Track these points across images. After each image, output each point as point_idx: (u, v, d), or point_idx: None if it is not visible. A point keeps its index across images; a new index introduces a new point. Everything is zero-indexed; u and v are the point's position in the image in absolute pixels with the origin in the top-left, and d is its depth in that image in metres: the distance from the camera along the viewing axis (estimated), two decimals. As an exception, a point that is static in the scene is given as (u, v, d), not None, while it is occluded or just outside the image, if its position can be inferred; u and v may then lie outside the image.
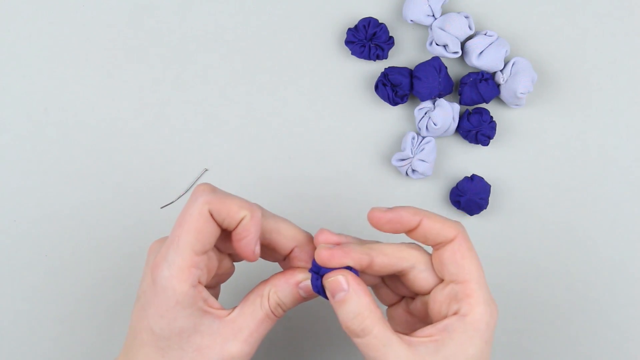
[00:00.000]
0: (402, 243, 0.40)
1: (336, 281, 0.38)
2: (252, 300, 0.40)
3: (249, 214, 0.39)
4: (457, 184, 0.52)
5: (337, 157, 0.53)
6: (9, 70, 0.54)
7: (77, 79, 0.54)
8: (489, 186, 0.52)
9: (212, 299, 0.40)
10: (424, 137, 0.52)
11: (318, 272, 0.39)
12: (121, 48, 0.54)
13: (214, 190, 0.39)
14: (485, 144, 0.52)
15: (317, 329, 0.52)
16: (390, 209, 0.40)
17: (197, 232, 0.38)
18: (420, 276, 0.40)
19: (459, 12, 0.52)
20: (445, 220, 0.40)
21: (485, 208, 0.52)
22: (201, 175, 0.53)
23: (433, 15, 0.52)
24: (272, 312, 0.40)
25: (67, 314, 0.53)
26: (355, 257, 0.39)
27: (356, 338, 0.38)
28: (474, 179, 0.52)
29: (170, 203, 0.53)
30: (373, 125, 0.53)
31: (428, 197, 0.53)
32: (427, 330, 0.39)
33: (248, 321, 0.40)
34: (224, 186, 0.42)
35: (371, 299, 0.39)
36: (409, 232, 0.40)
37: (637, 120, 0.54)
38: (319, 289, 0.39)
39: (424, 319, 0.42)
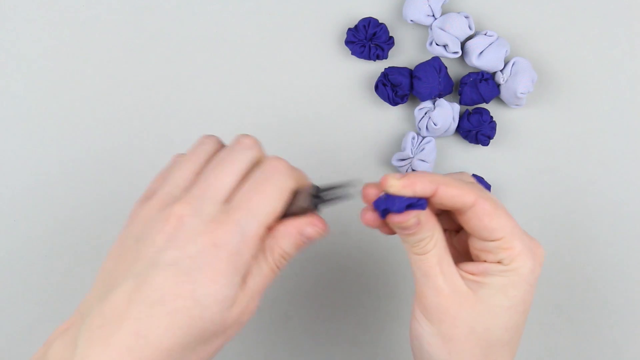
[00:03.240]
0: (466, 181, 0.40)
1: (410, 223, 0.38)
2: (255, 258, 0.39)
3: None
4: None
5: (338, 157, 0.53)
6: (9, 70, 0.54)
7: (77, 79, 0.54)
8: (489, 186, 0.52)
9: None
10: (424, 137, 0.52)
11: (384, 208, 0.38)
12: (121, 48, 0.54)
13: (294, 168, 0.39)
14: (485, 144, 0.52)
15: (317, 328, 0.52)
16: (404, 176, 0.39)
17: (282, 204, 0.38)
18: (475, 218, 0.39)
19: (459, 12, 0.52)
20: (462, 185, 0.39)
21: None
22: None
23: (433, 15, 0.52)
24: (276, 265, 0.39)
25: (67, 314, 0.53)
26: (424, 185, 0.38)
27: (412, 250, 0.39)
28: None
29: None
30: (373, 125, 0.53)
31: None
32: (469, 266, 0.40)
33: (255, 280, 0.38)
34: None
35: (439, 227, 0.39)
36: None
37: (637, 120, 0.54)
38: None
39: (465, 254, 0.42)
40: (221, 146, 0.42)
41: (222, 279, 0.36)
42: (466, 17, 0.52)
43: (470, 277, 0.39)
